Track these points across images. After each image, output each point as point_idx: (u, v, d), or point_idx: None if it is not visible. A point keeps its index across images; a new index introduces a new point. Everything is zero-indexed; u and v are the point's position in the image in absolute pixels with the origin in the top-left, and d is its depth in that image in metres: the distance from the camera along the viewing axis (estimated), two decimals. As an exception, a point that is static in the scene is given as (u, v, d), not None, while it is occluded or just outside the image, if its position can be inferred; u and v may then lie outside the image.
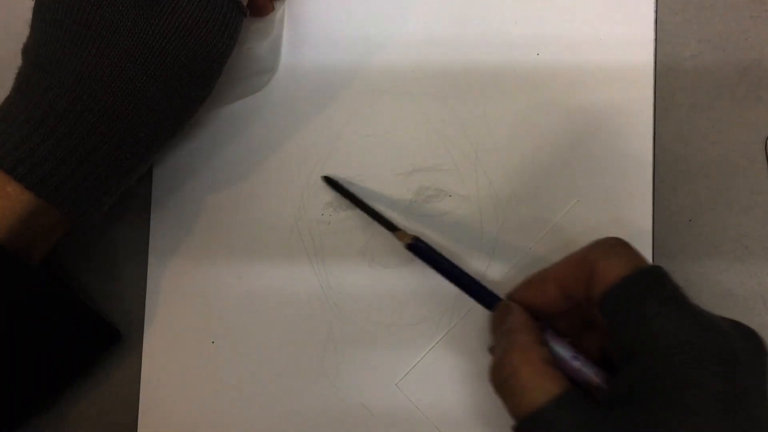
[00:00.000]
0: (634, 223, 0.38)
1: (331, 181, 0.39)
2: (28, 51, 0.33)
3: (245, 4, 0.35)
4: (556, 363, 0.29)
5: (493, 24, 0.39)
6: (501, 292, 0.37)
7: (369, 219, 0.38)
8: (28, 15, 0.34)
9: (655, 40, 0.39)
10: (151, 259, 0.39)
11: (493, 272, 0.38)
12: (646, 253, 0.38)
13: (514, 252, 0.38)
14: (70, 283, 0.39)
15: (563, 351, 0.31)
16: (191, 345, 0.39)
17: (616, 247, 0.30)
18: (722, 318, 0.28)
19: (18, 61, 0.33)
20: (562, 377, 0.28)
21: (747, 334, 0.28)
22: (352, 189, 0.39)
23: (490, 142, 0.39)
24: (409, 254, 0.37)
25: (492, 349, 0.33)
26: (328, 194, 0.39)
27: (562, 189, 0.38)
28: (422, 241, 0.36)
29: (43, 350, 0.34)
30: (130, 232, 0.39)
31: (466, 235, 0.38)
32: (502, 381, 0.29)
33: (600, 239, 0.31)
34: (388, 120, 0.39)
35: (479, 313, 0.36)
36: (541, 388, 0.27)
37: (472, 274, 0.35)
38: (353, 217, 0.39)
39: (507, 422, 0.29)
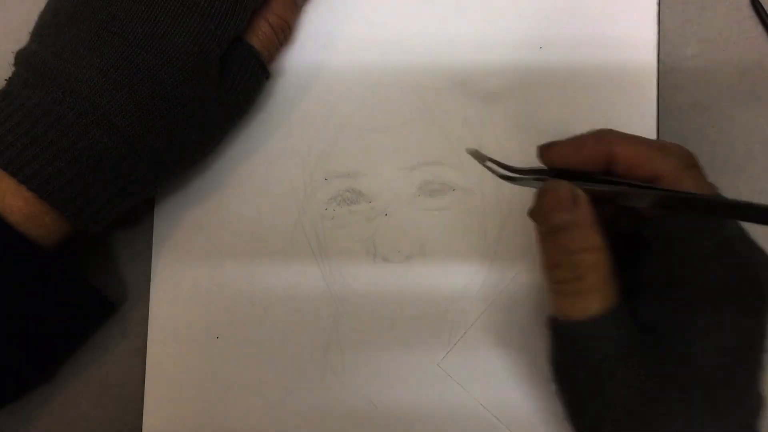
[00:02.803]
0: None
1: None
2: (30, 58, 0.32)
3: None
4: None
5: (496, 19, 0.40)
6: (503, 287, 0.37)
7: (373, 213, 0.38)
8: (28, 16, 0.34)
9: (657, 39, 0.40)
10: (155, 255, 0.39)
11: (497, 266, 0.38)
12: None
13: (518, 246, 0.38)
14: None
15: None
16: (196, 341, 0.38)
17: (692, 169, 0.29)
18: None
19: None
20: (617, 291, 0.28)
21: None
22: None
23: (493, 136, 0.39)
24: (415, 248, 0.38)
25: (542, 222, 0.30)
26: (332, 189, 0.39)
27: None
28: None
29: (34, 319, 0.33)
30: (134, 229, 0.39)
31: (470, 229, 0.38)
32: (564, 279, 0.28)
33: (673, 146, 0.30)
34: (392, 114, 0.39)
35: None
36: (601, 298, 0.27)
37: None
38: (357, 211, 0.39)
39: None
